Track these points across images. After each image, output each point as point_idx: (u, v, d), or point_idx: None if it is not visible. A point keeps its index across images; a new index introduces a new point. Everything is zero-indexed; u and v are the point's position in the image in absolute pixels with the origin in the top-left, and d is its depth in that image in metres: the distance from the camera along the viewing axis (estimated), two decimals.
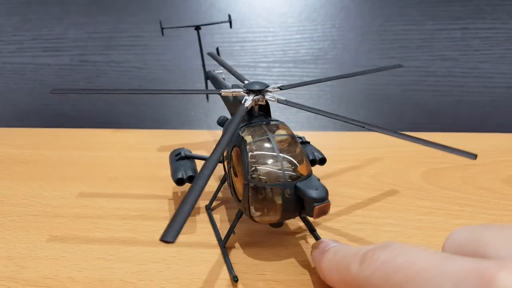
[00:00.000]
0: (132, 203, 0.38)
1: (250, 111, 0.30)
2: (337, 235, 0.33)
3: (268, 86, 0.30)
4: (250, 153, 0.26)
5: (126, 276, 0.28)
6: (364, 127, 0.26)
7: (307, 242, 0.32)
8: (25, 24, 0.67)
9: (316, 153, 0.36)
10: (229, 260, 0.29)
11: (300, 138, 0.38)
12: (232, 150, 0.29)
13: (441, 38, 0.64)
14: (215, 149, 0.22)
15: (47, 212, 0.36)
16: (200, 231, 0.34)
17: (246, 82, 0.31)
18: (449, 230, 0.33)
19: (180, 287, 0.27)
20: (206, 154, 0.50)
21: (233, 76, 0.35)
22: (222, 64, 0.39)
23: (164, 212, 0.36)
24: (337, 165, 0.45)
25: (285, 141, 0.27)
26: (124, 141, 0.54)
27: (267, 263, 0.29)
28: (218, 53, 0.48)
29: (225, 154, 0.30)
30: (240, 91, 0.30)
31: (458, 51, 0.64)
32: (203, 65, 0.50)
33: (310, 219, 0.32)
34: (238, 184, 0.28)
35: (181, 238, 0.33)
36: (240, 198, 0.28)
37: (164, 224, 0.34)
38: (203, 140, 0.55)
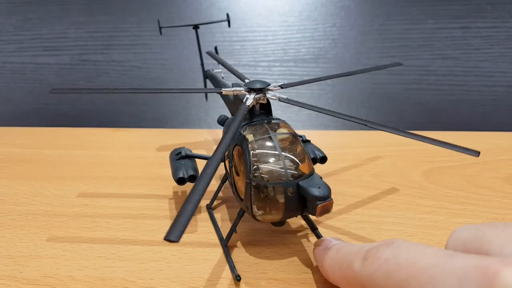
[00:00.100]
0: (132, 202, 0.38)
1: (251, 109, 0.30)
2: (338, 233, 0.33)
3: (269, 85, 0.30)
4: (252, 152, 0.26)
5: (127, 275, 0.28)
6: (366, 125, 0.26)
7: (308, 240, 0.32)
8: (25, 23, 0.67)
9: (317, 152, 0.35)
10: (231, 259, 0.29)
11: (301, 136, 0.37)
12: (234, 149, 0.29)
13: (441, 37, 0.64)
14: (217, 148, 0.22)
15: (47, 211, 0.36)
16: (200, 230, 0.34)
17: (246, 81, 0.31)
18: (450, 229, 0.33)
19: (180, 285, 0.27)
20: (206, 153, 0.50)
21: (232, 75, 0.35)
22: (222, 63, 0.39)
23: (164, 211, 0.36)
24: (338, 164, 0.45)
25: (286, 139, 0.27)
26: (124, 140, 0.53)
27: (269, 262, 0.29)
28: (217, 52, 0.47)
29: (226, 153, 0.30)
30: (241, 90, 0.30)
31: (458, 50, 0.64)
32: (202, 64, 0.50)
33: (312, 217, 0.32)
34: (240, 183, 0.28)
35: (183, 238, 0.33)
36: (242, 197, 0.28)
37: (164, 223, 0.34)
38: (203, 139, 0.55)
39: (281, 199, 0.25)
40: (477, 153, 0.25)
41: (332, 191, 0.25)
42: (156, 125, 0.68)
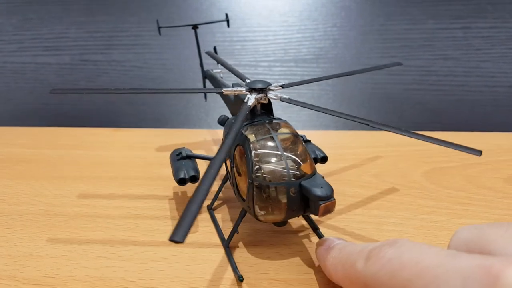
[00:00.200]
0: (132, 202, 0.38)
1: (252, 110, 0.30)
2: (339, 234, 0.33)
3: (271, 85, 0.30)
4: (254, 152, 0.26)
5: (127, 275, 0.28)
6: (368, 124, 0.26)
7: (310, 241, 0.31)
8: (26, 23, 0.67)
9: (317, 152, 0.35)
10: (233, 260, 0.29)
11: (302, 136, 0.37)
12: (235, 149, 0.29)
13: (442, 37, 0.64)
14: (220, 148, 0.22)
15: (47, 211, 0.36)
16: (201, 230, 0.33)
17: (247, 80, 0.31)
18: (451, 230, 0.33)
19: (181, 285, 0.27)
20: (207, 153, 0.50)
21: (231, 75, 0.35)
22: (221, 63, 0.39)
23: (165, 211, 0.36)
24: (339, 164, 0.45)
25: (288, 139, 0.27)
26: (125, 140, 0.53)
27: (270, 262, 0.29)
28: (216, 52, 0.47)
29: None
30: (243, 90, 0.30)
31: (459, 50, 0.64)
32: (201, 64, 0.50)
33: (313, 217, 0.32)
34: (242, 183, 0.28)
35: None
36: (244, 197, 0.28)
37: (164, 223, 0.34)
38: (203, 139, 0.55)
39: (284, 199, 0.25)
40: (479, 153, 0.25)
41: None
42: (156, 125, 0.68)
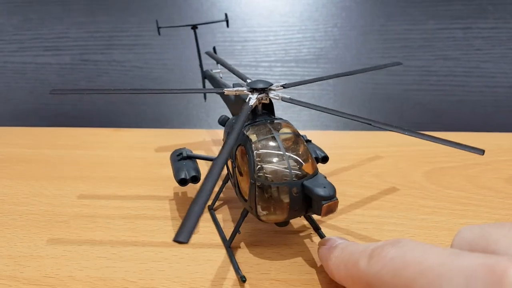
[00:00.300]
0: (132, 202, 0.38)
1: (253, 109, 0.29)
2: (340, 234, 0.33)
3: (272, 84, 0.30)
4: (255, 152, 0.26)
5: (127, 275, 0.28)
6: (370, 124, 0.26)
7: (311, 241, 0.31)
8: (26, 23, 0.67)
9: (318, 152, 0.35)
10: (235, 260, 0.29)
11: (302, 136, 0.37)
12: (237, 150, 0.29)
13: (442, 38, 0.64)
14: (222, 148, 0.22)
15: (48, 211, 0.36)
16: (202, 230, 0.33)
17: (248, 80, 0.31)
18: (452, 230, 0.33)
19: (182, 286, 0.27)
20: (207, 153, 0.50)
21: (230, 75, 0.35)
22: (221, 63, 0.39)
23: (165, 211, 0.36)
24: (340, 164, 0.45)
25: (290, 139, 0.27)
26: (125, 141, 0.53)
27: (271, 262, 0.29)
28: (215, 52, 0.47)
29: None
30: (244, 90, 0.30)
31: (460, 51, 0.64)
32: (200, 65, 0.50)
33: (315, 217, 0.32)
34: (244, 184, 0.28)
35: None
36: (246, 197, 0.27)
37: (165, 223, 0.34)
38: (204, 139, 0.55)
39: (286, 199, 0.25)
40: (482, 152, 0.25)
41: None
42: (156, 125, 0.68)
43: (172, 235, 0.33)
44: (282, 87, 0.30)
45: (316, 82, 0.65)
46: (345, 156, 0.47)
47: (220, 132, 0.56)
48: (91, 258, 0.30)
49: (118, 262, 0.29)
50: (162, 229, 0.34)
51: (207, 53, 0.46)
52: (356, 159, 0.47)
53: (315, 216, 0.31)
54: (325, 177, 0.26)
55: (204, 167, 0.43)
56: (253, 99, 0.28)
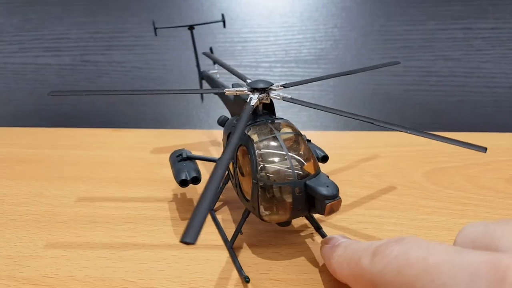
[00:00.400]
0: (132, 203, 0.38)
1: (254, 110, 0.29)
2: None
3: (272, 84, 0.30)
4: (257, 152, 0.26)
5: (127, 275, 0.28)
6: (372, 123, 0.26)
7: (312, 240, 0.31)
8: (26, 24, 0.67)
9: (318, 151, 0.35)
10: (238, 261, 0.29)
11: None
12: (238, 150, 0.29)
13: (443, 38, 0.64)
14: (226, 148, 0.22)
15: (47, 211, 0.36)
16: (202, 230, 0.33)
17: (248, 81, 0.31)
18: (452, 230, 0.33)
19: (181, 286, 0.27)
20: (207, 154, 0.50)
21: (227, 76, 0.35)
22: (220, 63, 0.39)
23: (165, 212, 0.36)
24: (339, 164, 0.45)
25: (291, 139, 0.27)
26: (124, 141, 0.53)
27: (271, 262, 0.29)
28: (212, 53, 0.47)
29: None
30: (244, 90, 0.30)
31: (460, 51, 0.64)
32: (198, 65, 0.50)
33: (315, 216, 0.32)
34: (245, 184, 0.28)
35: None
36: (248, 197, 0.27)
37: (164, 224, 0.34)
38: (204, 140, 0.55)
39: (289, 199, 0.25)
40: (484, 149, 0.25)
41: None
42: (156, 126, 0.68)
43: (172, 235, 0.33)
44: (282, 87, 0.30)
45: (316, 83, 0.65)
46: (345, 156, 0.47)
47: (220, 133, 0.56)
48: (91, 258, 0.30)
49: (117, 262, 0.29)
50: (162, 229, 0.34)
51: (205, 53, 0.45)
52: (356, 159, 0.47)
53: (316, 215, 0.31)
54: (328, 176, 0.26)
55: (203, 168, 0.43)
56: (254, 99, 0.28)
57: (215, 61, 0.42)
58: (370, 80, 0.66)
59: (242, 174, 0.28)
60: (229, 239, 0.31)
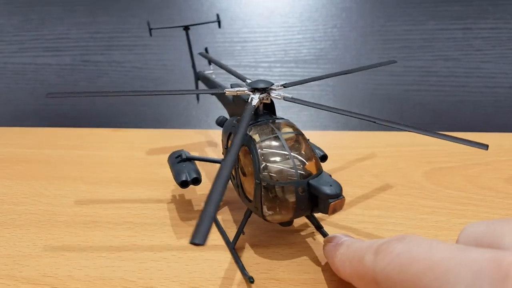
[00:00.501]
0: (132, 202, 0.38)
1: (255, 110, 0.29)
2: None
3: (273, 84, 0.30)
4: (260, 152, 0.26)
5: (126, 275, 0.28)
6: (375, 122, 0.26)
7: (313, 240, 0.31)
8: (26, 24, 0.67)
9: (317, 150, 0.35)
10: (241, 261, 0.29)
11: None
12: (240, 150, 0.28)
13: (442, 38, 0.64)
14: (230, 149, 0.22)
15: (47, 211, 0.36)
16: None
17: (248, 81, 0.31)
18: (452, 230, 0.33)
19: (180, 285, 0.27)
20: (207, 154, 0.50)
21: (224, 76, 0.35)
22: (217, 63, 0.39)
23: (164, 212, 0.36)
24: (339, 164, 0.45)
25: (293, 138, 0.27)
26: (124, 141, 0.53)
27: (271, 262, 0.29)
28: (208, 53, 0.47)
29: None
30: (245, 90, 0.30)
31: (460, 51, 0.64)
32: (193, 66, 0.50)
33: (317, 216, 0.32)
34: (247, 184, 0.28)
35: (182, 238, 0.32)
36: (250, 197, 0.27)
37: (164, 223, 0.34)
38: (203, 140, 0.55)
39: (292, 199, 0.25)
40: (486, 146, 0.26)
41: None
42: (156, 126, 0.68)
43: (172, 235, 0.33)
44: (282, 87, 0.30)
45: (316, 83, 0.65)
46: (345, 156, 0.47)
47: (220, 133, 0.56)
48: (90, 258, 0.30)
49: (117, 261, 0.29)
50: (161, 229, 0.34)
51: (200, 53, 0.45)
52: (356, 159, 0.47)
53: (317, 215, 0.31)
54: (330, 175, 0.26)
55: (203, 169, 0.43)
56: (255, 99, 0.28)
57: (211, 61, 0.42)
58: (370, 80, 0.66)
59: (244, 174, 0.28)
60: (231, 239, 0.31)
